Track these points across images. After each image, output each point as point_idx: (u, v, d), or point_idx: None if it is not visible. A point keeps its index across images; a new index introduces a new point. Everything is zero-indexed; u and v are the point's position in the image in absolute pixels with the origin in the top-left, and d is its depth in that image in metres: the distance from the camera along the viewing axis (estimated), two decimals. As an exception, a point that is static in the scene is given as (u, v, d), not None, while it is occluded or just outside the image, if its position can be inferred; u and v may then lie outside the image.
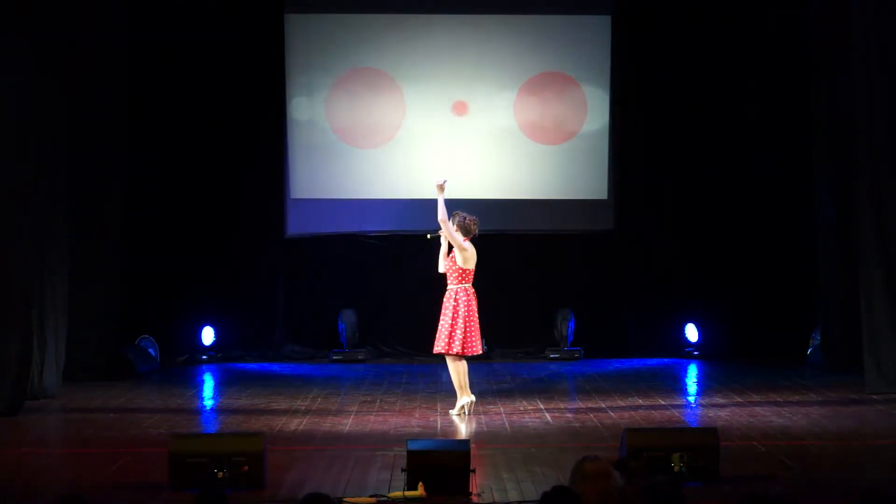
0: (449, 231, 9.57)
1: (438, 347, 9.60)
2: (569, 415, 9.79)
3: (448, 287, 9.64)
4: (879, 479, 7.28)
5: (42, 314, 10.54)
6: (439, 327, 9.59)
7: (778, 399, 10.39)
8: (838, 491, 6.94)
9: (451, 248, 9.69)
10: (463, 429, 9.16)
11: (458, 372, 9.63)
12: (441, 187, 9.67)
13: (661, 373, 12.46)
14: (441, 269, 9.70)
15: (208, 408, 10.95)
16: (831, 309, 12.09)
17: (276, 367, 12.96)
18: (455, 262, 9.60)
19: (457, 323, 9.53)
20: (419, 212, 12.30)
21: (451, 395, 9.99)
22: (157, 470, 7.32)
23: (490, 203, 13.48)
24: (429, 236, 9.84)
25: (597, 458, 5.53)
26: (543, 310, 13.63)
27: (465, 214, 9.67)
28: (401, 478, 6.93)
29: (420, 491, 6.78)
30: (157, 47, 13.16)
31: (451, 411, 9.70)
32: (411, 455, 6.92)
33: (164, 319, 13.31)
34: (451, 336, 9.53)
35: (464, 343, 9.55)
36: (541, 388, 11.29)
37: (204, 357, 13.32)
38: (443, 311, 9.59)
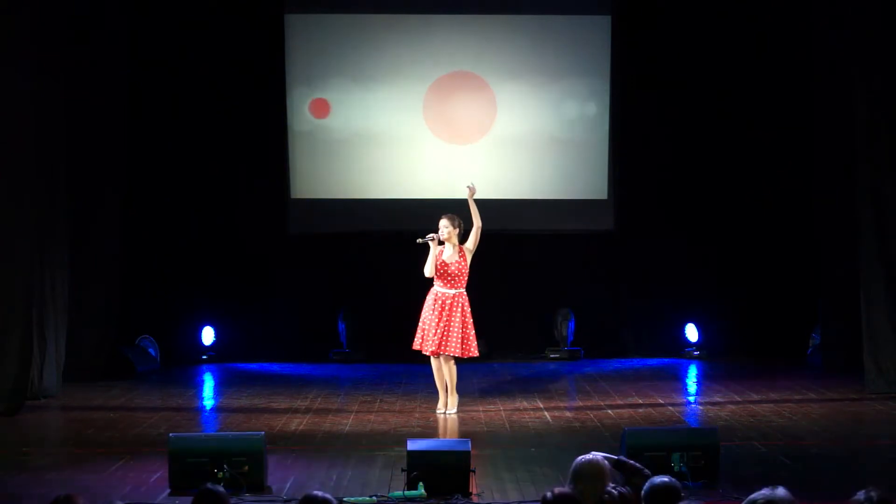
0: (477, 237, 9.62)
1: (470, 352, 9.64)
2: (569, 415, 9.80)
3: (456, 290, 9.60)
4: (879, 479, 7.28)
5: (42, 314, 10.55)
6: (456, 331, 9.57)
7: (778, 399, 10.39)
8: (838, 491, 6.94)
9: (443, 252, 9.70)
10: (461, 429, 9.16)
11: (455, 372, 9.72)
12: (471, 191, 9.68)
13: (661, 373, 12.46)
14: (429, 273, 9.64)
15: (208, 408, 10.95)
16: (831, 309, 12.09)
17: (276, 367, 12.96)
18: (467, 265, 9.62)
19: (470, 324, 9.62)
20: (419, 212, 12.29)
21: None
22: (157, 470, 7.32)
23: (490, 203, 13.46)
24: (419, 241, 9.78)
25: (595, 459, 5.54)
26: (543, 310, 13.63)
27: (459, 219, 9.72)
28: (401, 478, 6.94)
29: (420, 491, 6.79)
30: (158, 47, 13.16)
31: (450, 412, 9.70)
32: (411, 455, 6.93)
33: (164, 319, 13.31)
34: (467, 338, 9.60)
35: (472, 344, 9.68)
36: (541, 388, 11.29)
37: (204, 357, 13.32)
38: (455, 314, 9.58)
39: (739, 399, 10.45)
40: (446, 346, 9.56)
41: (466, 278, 9.64)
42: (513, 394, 10.87)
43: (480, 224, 9.63)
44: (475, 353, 9.71)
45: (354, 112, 13.45)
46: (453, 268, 9.59)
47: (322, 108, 13.46)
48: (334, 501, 4.63)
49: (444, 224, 9.64)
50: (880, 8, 10.59)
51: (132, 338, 12.88)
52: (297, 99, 13.45)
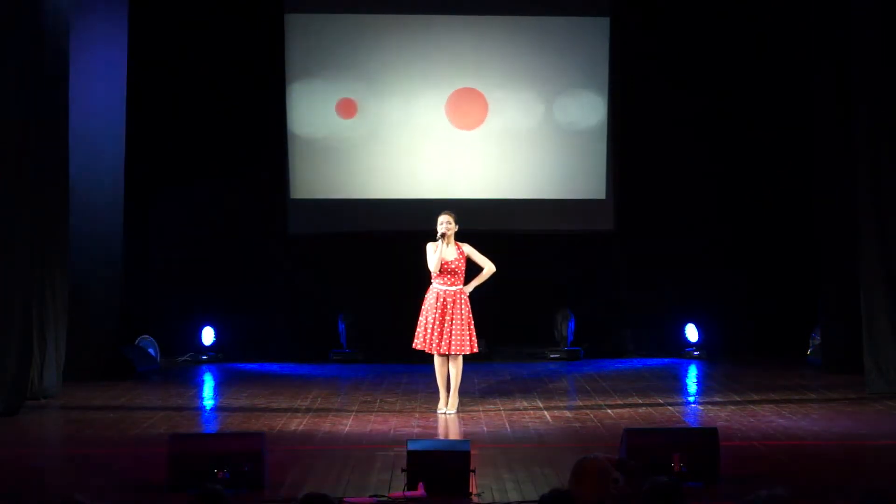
0: (479, 258, 9.77)
1: (474, 347, 9.70)
2: (569, 415, 9.79)
3: (457, 286, 9.62)
4: (879, 479, 7.28)
5: (42, 314, 10.54)
6: (463, 328, 9.59)
7: (778, 399, 10.39)
8: (838, 491, 6.94)
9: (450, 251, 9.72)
10: (461, 429, 9.16)
11: (461, 371, 9.75)
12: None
13: (661, 373, 12.46)
14: (435, 270, 9.61)
15: (208, 408, 10.95)
16: (831, 309, 12.08)
17: (276, 367, 12.96)
18: (464, 262, 9.65)
19: (472, 320, 9.70)
20: (419, 212, 12.29)
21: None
22: (157, 470, 7.32)
23: (490, 203, 13.52)
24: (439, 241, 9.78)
25: (596, 458, 5.54)
26: (543, 310, 13.63)
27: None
28: (401, 478, 6.94)
29: (420, 491, 6.78)
30: (158, 47, 13.16)
31: (450, 412, 9.69)
32: (411, 455, 6.92)
33: (164, 319, 13.31)
34: (472, 334, 9.66)
35: (475, 340, 9.77)
36: (541, 388, 11.29)
37: (204, 357, 13.32)
38: (458, 310, 9.59)
39: (739, 399, 10.44)
40: (457, 345, 9.58)
41: (464, 275, 9.68)
42: (513, 394, 10.87)
43: (490, 267, 9.76)
44: (476, 349, 9.75)
45: (356, 112, 13.44)
46: (454, 265, 9.61)
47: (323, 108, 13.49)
48: (334, 501, 4.63)
49: (449, 220, 9.63)
50: (880, 7, 10.59)
51: (132, 338, 12.87)
52: (296, 99, 13.45)
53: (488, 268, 9.76)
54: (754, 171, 13.54)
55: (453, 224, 9.63)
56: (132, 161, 12.66)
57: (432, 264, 9.60)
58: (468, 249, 9.71)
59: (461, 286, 9.66)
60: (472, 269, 9.80)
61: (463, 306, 9.61)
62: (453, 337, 9.56)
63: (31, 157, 10.13)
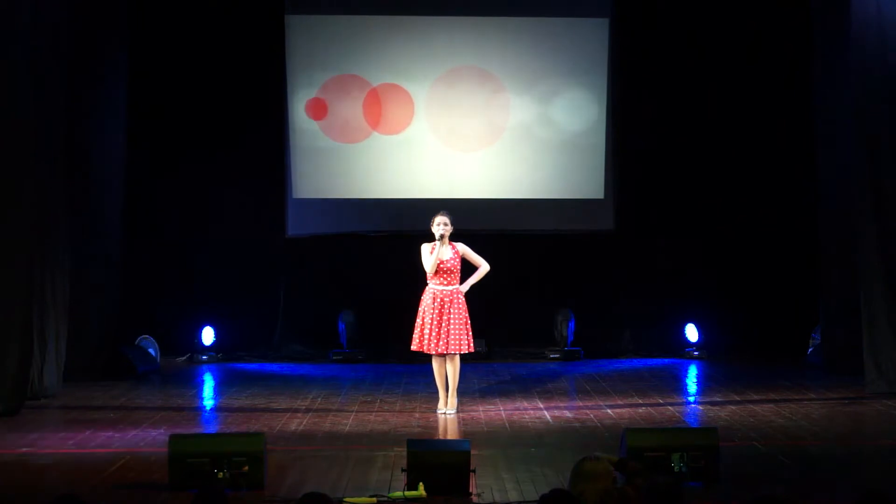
0: (474, 257, 9.81)
1: (471, 347, 9.73)
2: (569, 415, 9.79)
3: (452, 286, 9.63)
4: (879, 479, 7.28)
5: (42, 314, 10.54)
6: (459, 328, 9.60)
7: (778, 399, 10.39)
8: (838, 491, 6.94)
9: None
10: (461, 429, 9.16)
11: (458, 370, 9.75)
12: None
13: (661, 373, 12.46)
14: (431, 270, 9.62)
15: (208, 408, 10.95)
16: (831, 309, 12.08)
17: (276, 367, 12.96)
18: (460, 262, 9.66)
19: (468, 320, 9.70)
20: (419, 212, 12.28)
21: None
22: (157, 470, 7.32)
23: (490, 203, 13.51)
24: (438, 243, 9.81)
25: (597, 458, 5.55)
26: (543, 310, 13.63)
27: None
28: (401, 478, 6.94)
29: (420, 491, 6.79)
30: (158, 47, 13.17)
31: (450, 412, 9.69)
32: (411, 455, 6.93)
33: (164, 319, 13.31)
34: (468, 333, 9.68)
35: (471, 340, 9.78)
36: (541, 388, 11.29)
37: (204, 357, 13.32)
38: (455, 310, 9.60)
39: (739, 399, 10.45)
40: (454, 344, 9.57)
41: (459, 275, 9.69)
42: (513, 394, 10.87)
43: (485, 266, 9.81)
44: (473, 349, 9.77)
45: (357, 112, 13.45)
46: (449, 264, 9.63)
47: (321, 109, 13.47)
48: (334, 501, 4.63)
49: (446, 221, 9.65)
50: (880, 7, 10.58)
51: (132, 338, 12.87)
52: (297, 99, 13.45)
53: (483, 267, 9.79)
54: (754, 171, 13.53)
55: (450, 225, 9.66)
56: (132, 161, 12.68)
57: (428, 265, 9.62)
58: (463, 249, 9.73)
59: (457, 286, 9.67)
60: (467, 269, 9.80)
61: (460, 306, 9.62)
62: (450, 336, 9.56)
63: (31, 157, 10.13)
